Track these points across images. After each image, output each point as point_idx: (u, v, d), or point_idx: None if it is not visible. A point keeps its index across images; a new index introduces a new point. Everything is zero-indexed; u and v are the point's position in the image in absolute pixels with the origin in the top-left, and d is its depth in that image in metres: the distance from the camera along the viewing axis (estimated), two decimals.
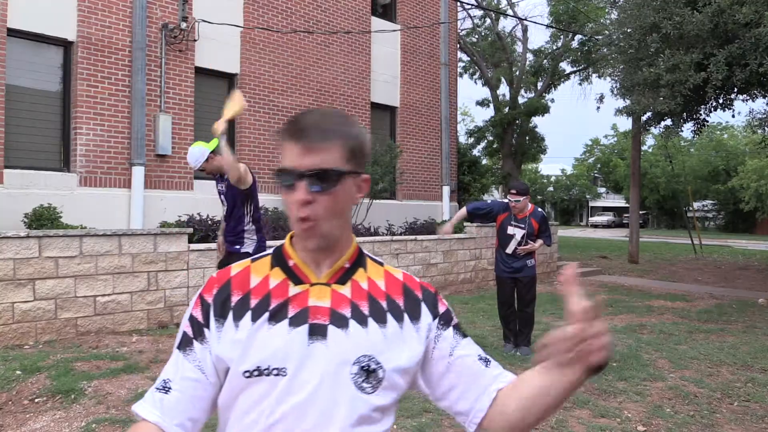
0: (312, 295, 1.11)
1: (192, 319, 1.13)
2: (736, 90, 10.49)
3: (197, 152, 4.97)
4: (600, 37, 14.25)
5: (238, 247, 4.93)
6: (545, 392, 1.06)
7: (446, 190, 13.07)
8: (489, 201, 6.27)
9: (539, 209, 6.03)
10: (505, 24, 39.14)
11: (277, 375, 1.05)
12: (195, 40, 9.07)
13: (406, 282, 1.20)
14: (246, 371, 1.06)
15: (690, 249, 19.07)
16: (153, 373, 4.94)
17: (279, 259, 1.17)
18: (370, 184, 1.16)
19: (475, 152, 22.20)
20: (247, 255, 4.85)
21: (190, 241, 7.14)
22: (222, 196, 5.02)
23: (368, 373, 1.08)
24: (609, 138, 53.38)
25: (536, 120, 22.38)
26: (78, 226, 7.03)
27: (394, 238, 9.41)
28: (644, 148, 37.05)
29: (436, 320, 1.17)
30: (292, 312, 1.10)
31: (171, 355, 1.14)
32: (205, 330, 1.11)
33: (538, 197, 52.94)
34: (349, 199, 1.11)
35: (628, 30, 10.66)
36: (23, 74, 7.75)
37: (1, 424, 3.88)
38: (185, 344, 1.12)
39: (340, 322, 1.10)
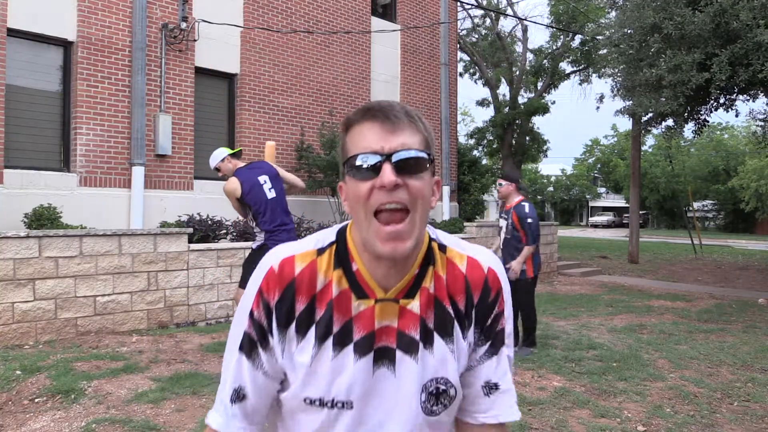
0: (378, 315, 1.00)
1: (254, 321, 1.01)
2: (737, 90, 10.49)
3: (217, 153, 5.02)
4: (600, 37, 14.24)
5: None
6: None
7: (446, 190, 13.07)
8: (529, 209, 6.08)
9: (525, 207, 5.73)
10: (505, 24, 39.18)
11: (342, 408, 1.00)
12: (195, 40, 9.07)
13: (468, 275, 1.04)
14: (308, 398, 1.00)
15: (690, 249, 19.07)
16: (153, 373, 4.94)
17: (342, 258, 1.02)
18: (440, 187, 1.05)
19: (475, 152, 22.20)
20: (259, 249, 4.89)
21: (190, 241, 7.14)
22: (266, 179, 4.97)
23: (438, 396, 1.01)
24: (609, 138, 53.43)
25: (536, 120, 22.42)
26: (78, 226, 7.03)
27: None
28: (644, 148, 37.09)
29: (487, 344, 1.06)
30: (357, 335, 0.99)
31: (230, 355, 1.04)
32: (269, 337, 1.01)
33: (538, 197, 52.95)
34: (430, 195, 0.98)
35: (629, 31, 10.66)
36: (23, 74, 7.75)
37: (1, 424, 3.88)
38: (250, 348, 1.02)
39: (409, 346, 1.00)
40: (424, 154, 0.95)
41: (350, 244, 1.02)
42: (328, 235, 1.06)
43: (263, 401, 1.05)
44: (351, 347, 0.99)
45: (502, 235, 5.89)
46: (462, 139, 23.54)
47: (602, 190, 57.14)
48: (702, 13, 9.01)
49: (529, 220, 5.64)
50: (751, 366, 5.61)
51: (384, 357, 1.00)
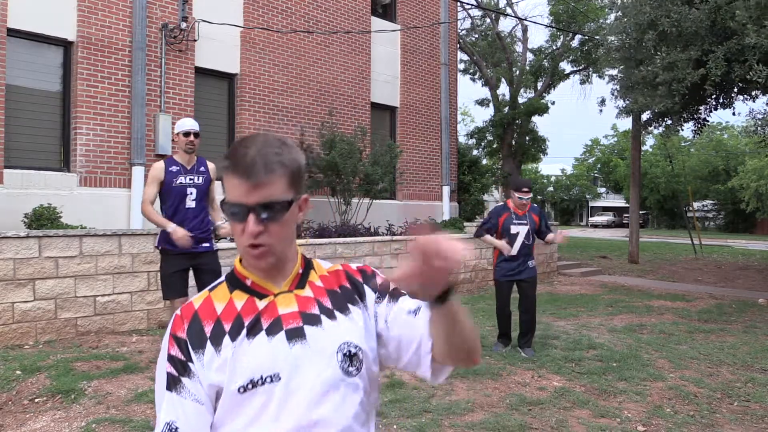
0: (279, 304, 1.19)
1: (171, 358, 1.16)
2: (736, 89, 10.49)
3: (195, 121, 5.00)
4: (598, 37, 14.25)
5: (209, 245, 4.81)
6: (435, 326, 1.14)
7: (446, 190, 13.07)
8: (493, 207, 6.33)
9: (536, 206, 6.16)
10: (505, 24, 39.18)
11: (272, 382, 1.12)
12: (195, 40, 9.07)
13: (346, 270, 1.30)
14: (240, 387, 1.12)
15: (690, 249, 19.07)
16: (153, 373, 4.94)
17: (235, 283, 1.23)
18: (308, 202, 1.26)
19: (476, 152, 22.19)
20: (216, 253, 4.81)
21: None
22: (192, 188, 4.76)
23: (351, 358, 1.18)
24: (609, 138, 53.42)
25: (536, 120, 22.40)
26: (78, 226, 7.03)
27: (394, 238, 9.40)
28: (644, 148, 37.07)
29: (376, 294, 1.27)
30: (266, 323, 1.17)
31: (159, 401, 1.17)
32: (190, 365, 1.15)
33: (538, 197, 52.94)
34: (293, 220, 1.20)
35: (626, 29, 10.66)
36: (23, 74, 7.75)
37: (1, 424, 3.88)
38: (174, 383, 1.15)
39: (313, 320, 1.19)
40: (283, 200, 1.14)
41: (240, 271, 1.24)
42: (217, 281, 1.29)
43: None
44: (263, 332, 1.16)
45: (520, 240, 5.89)
46: (462, 139, 23.54)
47: (602, 190, 57.12)
48: (698, 10, 9.01)
49: (549, 222, 6.30)
50: (751, 366, 5.61)
51: (295, 335, 1.16)
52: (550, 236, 6.10)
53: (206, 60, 9.33)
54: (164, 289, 4.82)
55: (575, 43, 21.41)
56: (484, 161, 22.19)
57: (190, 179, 4.80)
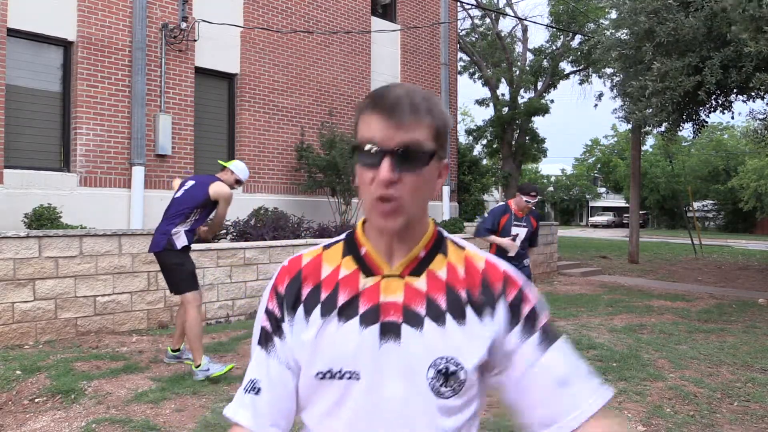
0: (383, 289, 1.04)
1: (268, 312, 1.09)
2: (735, 91, 10.49)
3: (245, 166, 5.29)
4: (598, 40, 14.24)
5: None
6: None
7: (446, 190, 13.07)
8: (493, 207, 6.33)
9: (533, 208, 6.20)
10: (505, 24, 39.19)
11: (350, 378, 1.01)
12: (195, 40, 9.07)
13: (487, 272, 1.07)
14: (318, 372, 1.02)
15: (690, 249, 19.07)
16: (153, 373, 4.94)
17: (351, 247, 1.10)
18: (448, 170, 1.08)
19: (476, 153, 22.19)
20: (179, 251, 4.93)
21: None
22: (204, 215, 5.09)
23: (447, 376, 1.00)
24: (609, 138, 53.40)
25: (536, 120, 22.40)
26: (78, 226, 7.03)
27: None
28: (644, 148, 37.06)
29: (518, 325, 1.04)
30: (362, 308, 1.03)
31: (252, 353, 1.10)
32: (282, 324, 1.07)
33: (538, 197, 52.89)
34: (432, 182, 1.03)
35: (624, 36, 10.67)
36: (23, 74, 7.75)
37: (1, 424, 3.88)
38: (266, 340, 1.08)
39: (414, 320, 1.02)
40: (426, 148, 0.99)
41: (359, 235, 1.10)
42: (336, 238, 1.15)
43: (277, 398, 1.06)
44: (357, 319, 1.03)
45: (518, 242, 5.91)
46: (462, 138, 23.53)
47: (602, 190, 57.12)
48: (694, 18, 9.00)
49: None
50: (751, 366, 5.61)
51: (390, 331, 1.02)
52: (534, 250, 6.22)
53: (206, 60, 9.33)
54: (192, 281, 4.91)
55: (575, 43, 21.40)
56: (484, 161, 22.19)
57: None
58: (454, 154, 13.75)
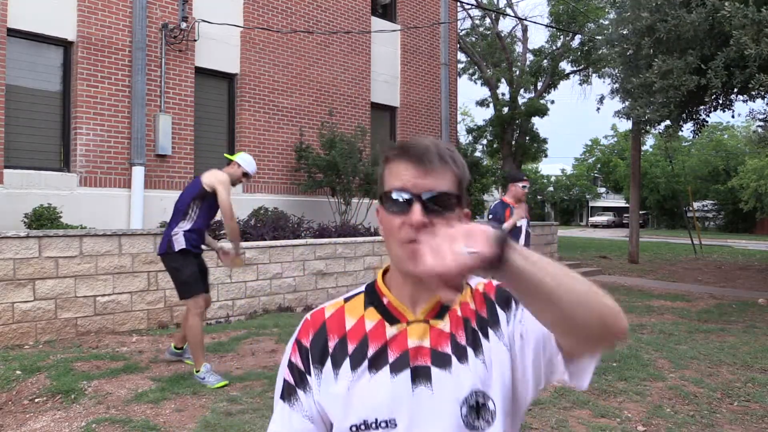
0: (410, 335, 1.06)
1: (291, 365, 1.10)
2: (736, 90, 10.48)
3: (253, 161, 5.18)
4: (599, 37, 14.25)
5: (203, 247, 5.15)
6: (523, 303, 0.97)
7: None
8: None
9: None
10: (505, 24, 39.19)
11: (386, 428, 1.02)
12: (195, 40, 9.07)
13: (486, 289, 1.12)
14: (353, 425, 1.03)
15: (690, 249, 19.07)
16: (153, 373, 4.94)
17: (373, 298, 1.12)
18: (469, 219, 1.09)
19: (477, 154, 22.20)
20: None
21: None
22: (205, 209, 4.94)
23: (478, 410, 1.02)
24: (609, 138, 53.41)
25: (536, 120, 22.40)
26: (78, 226, 7.03)
27: None
28: (644, 148, 37.07)
29: (512, 309, 1.08)
30: (392, 357, 1.05)
31: (275, 407, 1.11)
32: (308, 377, 1.08)
33: (538, 197, 52.95)
34: None
35: (625, 32, 10.65)
36: (23, 74, 7.75)
37: (1, 424, 3.88)
38: (289, 394, 1.09)
39: (442, 361, 1.04)
40: (452, 194, 1.02)
41: (380, 286, 1.12)
42: (355, 289, 1.17)
43: None
44: (387, 368, 1.04)
45: (523, 233, 5.95)
46: (462, 138, 23.54)
47: (602, 190, 57.12)
48: (695, 14, 8.98)
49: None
50: (751, 366, 5.61)
51: (421, 375, 1.04)
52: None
53: (206, 60, 9.33)
54: (191, 287, 4.79)
55: (575, 43, 21.41)
56: (484, 162, 22.19)
57: None
58: (468, 207, 13.73)
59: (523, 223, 5.96)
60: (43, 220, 6.90)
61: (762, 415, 4.32)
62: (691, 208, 22.63)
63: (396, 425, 1.02)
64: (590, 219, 54.11)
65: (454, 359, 1.04)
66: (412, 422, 1.02)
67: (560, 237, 17.81)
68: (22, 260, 5.80)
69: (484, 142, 23.49)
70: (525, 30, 22.15)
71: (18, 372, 4.77)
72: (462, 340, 1.06)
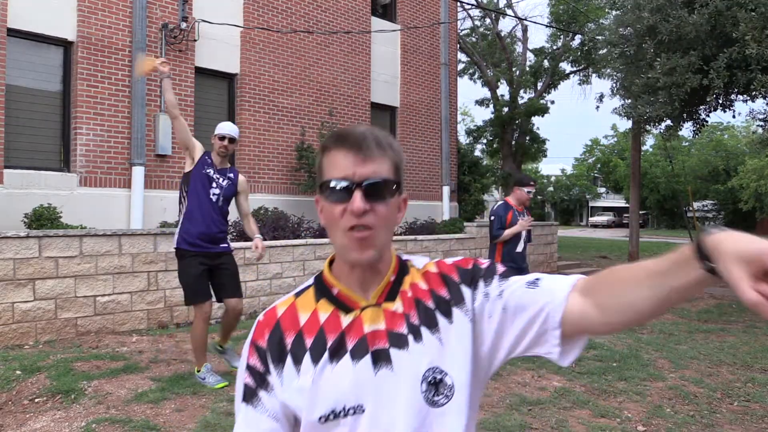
0: (365, 320, 1.08)
1: (250, 368, 1.09)
2: (736, 90, 10.48)
3: (236, 128, 4.74)
4: (600, 37, 14.24)
5: (227, 245, 4.77)
6: (675, 290, 0.90)
7: (446, 190, 13.07)
8: (493, 207, 6.27)
9: None
10: (505, 24, 39.19)
11: (355, 413, 1.03)
12: (195, 40, 9.07)
13: (442, 270, 1.14)
14: (321, 417, 1.03)
15: None
16: (153, 372, 4.94)
17: (323, 289, 1.13)
18: (407, 204, 1.14)
19: (476, 153, 22.19)
20: (233, 255, 4.73)
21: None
22: (217, 187, 4.62)
23: (436, 386, 1.05)
24: (609, 138, 53.37)
25: (537, 120, 22.40)
26: (78, 226, 7.03)
27: (394, 238, 9.40)
28: (644, 148, 37.07)
29: (480, 287, 1.09)
30: (350, 344, 1.06)
31: (237, 413, 1.11)
32: (268, 377, 1.08)
33: (539, 197, 52.96)
34: (395, 213, 1.08)
35: (626, 33, 10.65)
36: (23, 74, 7.75)
37: (1, 424, 3.88)
38: (250, 396, 1.08)
39: (399, 341, 1.06)
40: (391, 180, 1.05)
41: (327, 278, 1.13)
42: (304, 283, 1.18)
43: None
44: (347, 355, 1.06)
45: (524, 236, 5.92)
46: (462, 138, 23.54)
47: (602, 190, 57.12)
48: (698, 14, 8.98)
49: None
50: (751, 366, 5.61)
51: (381, 358, 1.05)
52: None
53: (206, 60, 9.33)
54: (189, 293, 4.58)
55: (575, 43, 21.40)
56: (484, 162, 22.19)
57: (217, 177, 4.65)
58: (454, 154, 13.75)
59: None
60: (43, 220, 6.90)
61: (762, 415, 4.32)
62: (691, 208, 22.63)
63: (364, 410, 1.03)
64: (590, 219, 54.11)
65: (410, 338, 1.06)
66: (378, 404, 1.04)
67: (560, 237, 17.81)
68: (22, 260, 5.80)
69: (484, 142, 23.48)
70: (525, 30, 22.15)
71: (18, 372, 4.77)
72: (415, 319, 1.08)
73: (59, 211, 7.12)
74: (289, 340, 1.09)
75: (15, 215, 7.18)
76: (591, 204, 57.82)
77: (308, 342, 1.08)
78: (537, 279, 1.07)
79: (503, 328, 1.07)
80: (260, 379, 1.08)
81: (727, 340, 6.70)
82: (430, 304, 1.10)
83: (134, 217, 8.22)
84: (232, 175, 4.73)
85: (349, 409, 1.03)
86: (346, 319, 1.08)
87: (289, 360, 1.07)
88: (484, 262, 1.14)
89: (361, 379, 1.04)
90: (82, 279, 6.18)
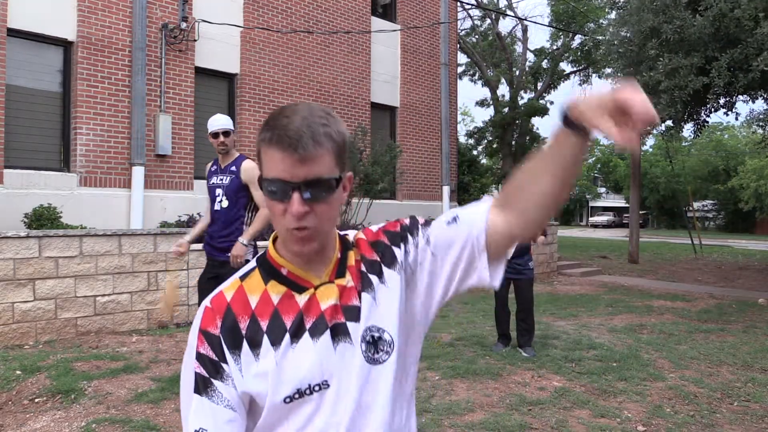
0: (320, 297, 1.07)
1: (201, 357, 1.04)
2: (737, 92, 10.48)
3: (227, 117, 4.41)
4: (600, 37, 14.25)
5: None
6: (559, 159, 1.01)
7: (446, 190, 13.07)
8: None
9: None
10: (505, 24, 39.18)
11: (320, 390, 1.03)
12: (195, 40, 9.07)
13: (371, 237, 1.16)
14: (286, 397, 1.02)
15: (690, 249, 19.07)
16: (153, 373, 4.94)
17: (270, 271, 1.10)
18: (352, 180, 1.13)
19: (475, 152, 22.19)
20: (245, 263, 4.56)
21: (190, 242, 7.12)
22: (219, 189, 4.36)
23: (375, 344, 1.06)
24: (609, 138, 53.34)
25: (537, 120, 22.39)
26: (78, 226, 7.03)
27: None
28: (644, 148, 37.06)
29: (409, 241, 1.14)
30: (308, 323, 1.05)
31: (186, 406, 1.05)
32: (224, 366, 1.04)
33: None
34: (339, 200, 1.07)
35: (628, 34, 10.65)
36: (23, 74, 7.75)
37: (1, 424, 3.88)
38: (204, 386, 1.03)
39: (353, 314, 1.07)
40: (332, 177, 1.02)
41: (274, 258, 1.11)
42: (247, 266, 1.16)
43: None
44: (306, 334, 1.05)
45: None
46: (462, 139, 23.54)
47: (602, 190, 57.14)
48: (702, 17, 8.99)
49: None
50: (751, 366, 5.61)
51: (339, 333, 1.06)
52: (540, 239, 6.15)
53: (206, 60, 9.33)
54: (198, 298, 4.57)
55: (575, 43, 21.41)
56: (484, 161, 22.19)
57: (220, 179, 4.43)
58: (454, 154, 13.75)
59: None
60: (43, 220, 6.90)
61: (762, 415, 4.32)
62: (691, 208, 22.62)
63: (329, 385, 1.04)
64: (590, 219, 54.12)
65: (362, 309, 1.08)
66: (340, 377, 1.05)
67: (560, 237, 17.82)
68: (22, 260, 5.80)
69: (484, 142, 23.48)
70: (525, 30, 22.15)
71: (18, 372, 4.77)
72: (359, 287, 1.10)
73: (59, 211, 7.13)
74: (243, 325, 1.05)
75: (15, 215, 7.18)
76: (591, 204, 57.82)
77: (264, 324, 1.05)
78: (455, 216, 1.12)
79: (435, 272, 1.11)
80: (214, 369, 1.03)
81: (727, 340, 6.70)
82: (364, 268, 1.12)
83: (134, 217, 8.22)
84: (234, 167, 4.38)
85: (315, 386, 1.03)
86: (301, 299, 1.07)
87: (245, 345, 1.04)
88: (407, 219, 1.19)
89: (323, 355, 1.04)
90: (82, 279, 6.18)
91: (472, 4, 20.20)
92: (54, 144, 8.03)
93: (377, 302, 1.09)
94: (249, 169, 4.31)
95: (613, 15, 13.46)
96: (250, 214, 4.42)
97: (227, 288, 1.11)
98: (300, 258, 1.08)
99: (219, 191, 4.37)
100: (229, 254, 4.22)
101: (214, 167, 4.48)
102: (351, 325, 1.07)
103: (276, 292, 1.08)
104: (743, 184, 35.99)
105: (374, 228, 1.18)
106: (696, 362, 5.68)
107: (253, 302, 1.08)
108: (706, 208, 44.65)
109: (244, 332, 1.05)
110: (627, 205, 35.06)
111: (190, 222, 7.73)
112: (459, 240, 1.09)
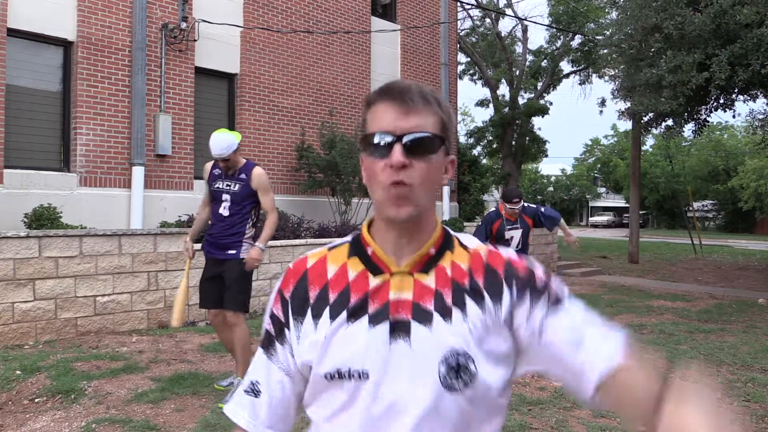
0: (393, 287, 1.03)
1: (273, 317, 1.10)
2: (737, 90, 10.49)
3: (228, 139, 4.24)
4: (600, 37, 14.25)
5: (234, 252, 4.39)
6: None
7: (446, 190, 13.07)
8: (486, 214, 6.30)
9: (526, 205, 6.06)
10: (505, 24, 39.18)
11: (359, 378, 0.99)
12: (195, 40, 9.07)
13: (489, 260, 1.07)
14: (327, 373, 1.02)
15: (690, 249, 19.07)
16: (153, 373, 4.94)
17: (357, 247, 1.09)
18: (455, 166, 1.10)
19: (475, 152, 22.19)
20: (241, 261, 4.37)
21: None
22: (226, 195, 4.38)
23: (458, 370, 0.99)
24: (609, 138, 53.39)
25: (537, 120, 22.40)
26: (78, 226, 7.03)
27: None
28: (644, 148, 37.05)
29: (525, 300, 1.04)
30: (372, 308, 1.02)
31: (256, 353, 1.12)
32: (286, 330, 1.07)
33: (538, 197, 52.97)
34: (440, 173, 1.04)
35: (629, 31, 10.65)
36: (23, 74, 7.75)
37: (1, 424, 3.88)
38: (269, 344, 1.09)
39: (423, 317, 1.01)
40: (434, 136, 1.00)
41: (365, 235, 1.09)
42: (342, 239, 1.15)
43: (277, 402, 1.08)
44: (365, 318, 1.02)
45: (514, 245, 5.93)
46: (462, 139, 23.53)
47: (602, 190, 57.13)
48: (702, 14, 9.01)
49: (542, 209, 6.12)
50: (751, 366, 5.61)
51: (400, 329, 1.01)
52: (567, 235, 6.13)
53: (206, 60, 9.33)
54: (199, 298, 4.53)
55: (575, 43, 21.40)
56: (484, 161, 22.18)
57: (227, 185, 4.39)
58: (453, 154, 13.74)
59: (515, 234, 5.96)
60: (43, 220, 6.90)
61: (762, 415, 4.32)
62: (691, 208, 22.62)
63: (368, 377, 0.99)
64: (590, 219, 54.12)
65: (436, 316, 1.01)
66: (385, 375, 0.99)
67: (560, 237, 17.82)
68: (22, 260, 5.80)
69: (484, 142, 23.48)
70: (525, 30, 22.14)
71: (18, 372, 4.77)
72: (449, 299, 1.02)
73: (59, 211, 7.12)
74: (312, 294, 1.06)
75: (15, 215, 7.18)
76: (591, 204, 57.82)
77: (332, 297, 1.05)
78: (581, 341, 1.02)
79: (530, 356, 1.05)
80: (279, 330, 1.08)
81: (727, 340, 6.70)
82: (467, 286, 1.04)
83: (134, 217, 8.22)
84: (243, 175, 4.40)
85: (353, 372, 1.00)
86: (374, 282, 1.04)
87: (309, 314, 1.05)
88: (540, 273, 1.07)
89: (373, 345, 1.00)
90: (82, 279, 6.18)
91: (472, 4, 20.21)
92: (54, 144, 8.03)
93: (472, 331, 1.01)
94: (259, 175, 4.41)
95: (613, 15, 13.47)
96: (254, 218, 4.55)
97: (312, 255, 1.12)
98: (390, 236, 1.04)
99: (226, 197, 4.39)
100: (244, 258, 4.36)
101: (218, 170, 4.46)
102: (416, 327, 1.00)
103: (355, 268, 1.07)
104: (743, 184, 35.99)
105: (503, 252, 1.09)
106: (696, 362, 5.68)
107: (330, 273, 1.08)
108: (705, 208, 44.64)
109: (312, 301, 1.06)
110: (627, 205, 35.05)
111: (190, 222, 7.73)
112: (567, 364, 1.01)
